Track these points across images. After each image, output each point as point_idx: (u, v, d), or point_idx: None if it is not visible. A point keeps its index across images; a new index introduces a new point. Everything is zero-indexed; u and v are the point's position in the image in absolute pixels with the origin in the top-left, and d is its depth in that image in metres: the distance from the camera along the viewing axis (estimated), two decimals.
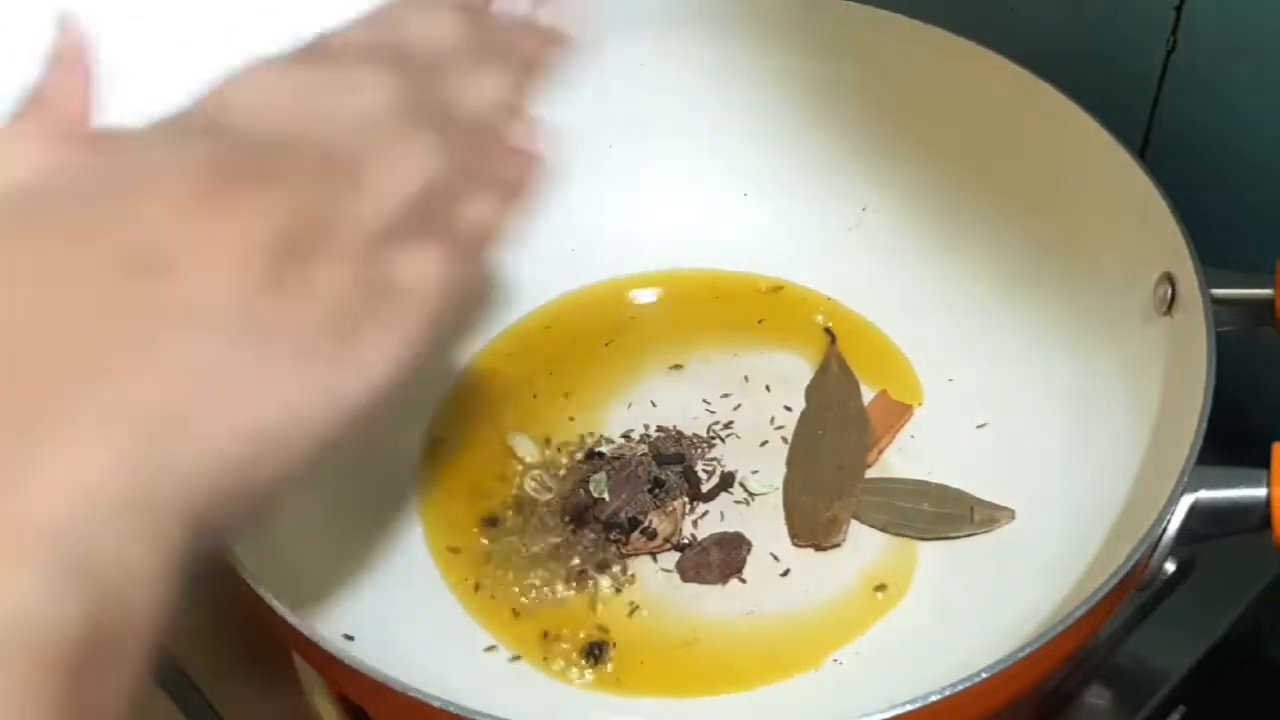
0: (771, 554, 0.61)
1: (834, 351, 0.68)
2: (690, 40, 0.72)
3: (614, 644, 0.58)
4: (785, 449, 0.64)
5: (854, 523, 0.62)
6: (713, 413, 0.66)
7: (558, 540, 0.61)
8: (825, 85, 0.71)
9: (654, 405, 0.67)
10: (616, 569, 0.60)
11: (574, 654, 0.58)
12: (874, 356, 0.68)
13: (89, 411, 0.27)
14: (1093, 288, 0.63)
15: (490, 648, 0.58)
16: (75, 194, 0.31)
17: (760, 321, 0.70)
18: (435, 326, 0.36)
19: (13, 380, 0.27)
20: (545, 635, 0.59)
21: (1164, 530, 0.50)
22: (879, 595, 0.60)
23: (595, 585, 0.60)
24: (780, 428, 0.65)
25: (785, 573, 0.60)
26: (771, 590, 0.60)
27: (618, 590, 0.60)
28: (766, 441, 0.65)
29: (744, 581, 0.60)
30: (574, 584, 0.60)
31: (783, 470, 0.64)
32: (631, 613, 0.59)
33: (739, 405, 0.67)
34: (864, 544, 0.61)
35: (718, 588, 0.60)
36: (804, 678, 0.57)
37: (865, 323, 0.70)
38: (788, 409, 0.66)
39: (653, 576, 0.60)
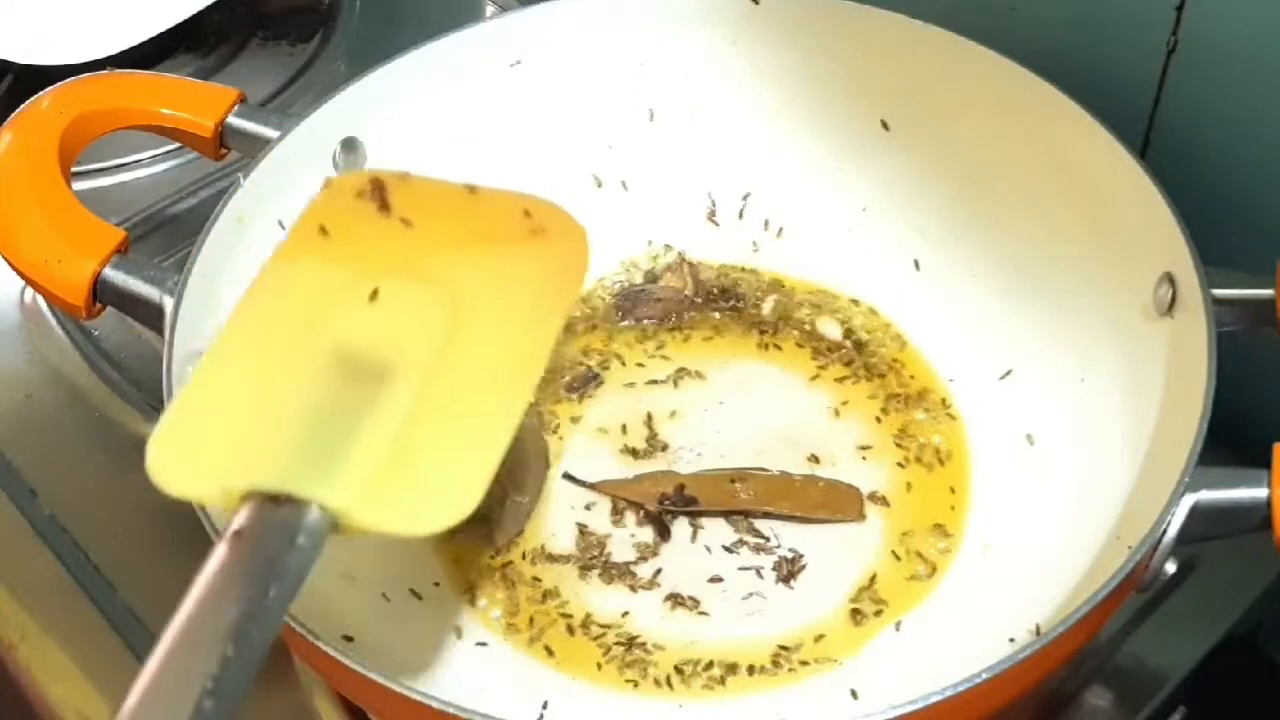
0: (775, 562, 0.61)
1: None
2: (690, 40, 0.72)
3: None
4: None
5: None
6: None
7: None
8: (825, 84, 0.71)
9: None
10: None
11: (580, 651, 0.58)
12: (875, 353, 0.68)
13: None
14: (1093, 288, 0.63)
15: (486, 644, 0.58)
16: None
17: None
18: None
19: None
20: (543, 632, 0.59)
21: (1165, 531, 0.50)
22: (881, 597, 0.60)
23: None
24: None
25: (788, 577, 0.61)
26: (776, 595, 0.60)
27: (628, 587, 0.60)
28: None
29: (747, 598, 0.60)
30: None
31: None
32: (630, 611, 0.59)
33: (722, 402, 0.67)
34: (868, 544, 0.61)
35: (723, 604, 0.60)
36: (810, 678, 0.57)
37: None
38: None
39: (654, 578, 0.61)
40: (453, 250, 0.42)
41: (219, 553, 0.37)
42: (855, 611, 0.59)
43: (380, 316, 0.40)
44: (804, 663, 0.58)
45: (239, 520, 0.38)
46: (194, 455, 0.40)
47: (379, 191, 0.41)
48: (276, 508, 0.38)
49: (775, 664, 0.58)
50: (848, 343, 0.69)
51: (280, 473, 0.39)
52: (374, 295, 0.40)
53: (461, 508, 0.40)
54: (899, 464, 0.64)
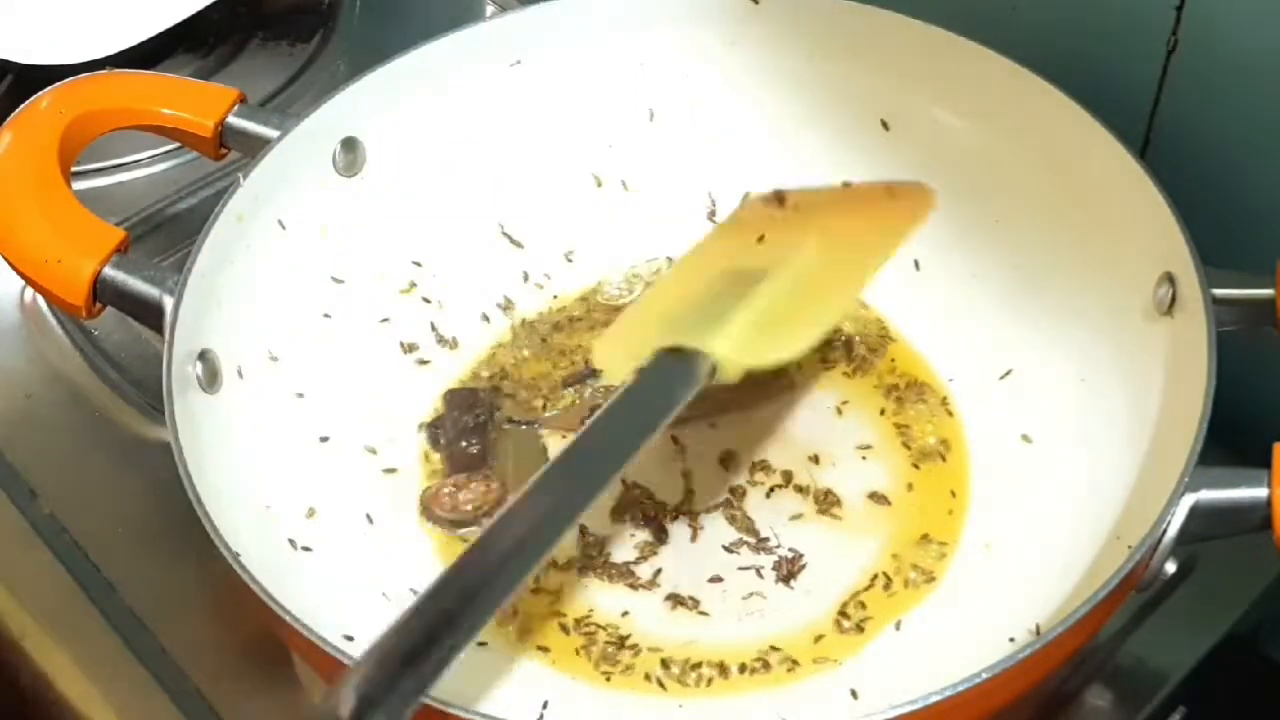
0: (776, 562, 0.61)
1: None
2: (690, 40, 0.72)
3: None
4: None
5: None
6: None
7: None
8: (825, 84, 0.71)
9: None
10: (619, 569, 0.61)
11: (576, 650, 0.58)
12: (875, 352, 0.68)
13: None
14: (1093, 288, 0.63)
15: (486, 644, 0.58)
16: None
17: None
18: None
19: None
20: (542, 631, 0.59)
21: (1165, 531, 0.50)
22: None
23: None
24: None
25: (788, 577, 0.61)
26: (776, 595, 0.60)
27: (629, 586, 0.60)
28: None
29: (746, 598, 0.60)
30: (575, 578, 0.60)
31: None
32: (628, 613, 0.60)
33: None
34: (869, 546, 0.61)
35: (723, 604, 0.60)
36: (810, 678, 0.57)
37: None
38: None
39: (654, 578, 0.61)
40: (826, 213, 0.60)
41: (629, 382, 0.54)
42: (842, 615, 0.59)
43: (764, 249, 0.58)
44: (803, 663, 0.58)
45: (645, 363, 0.54)
46: (622, 343, 0.58)
47: (778, 195, 0.59)
48: (677, 356, 0.54)
49: (774, 664, 0.58)
50: (847, 342, 0.69)
51: (679, 336, 0.55)
52: (761, 239, 0.59)
53: (794, 352, 0.57)
54: (900, 464, 0.64)
